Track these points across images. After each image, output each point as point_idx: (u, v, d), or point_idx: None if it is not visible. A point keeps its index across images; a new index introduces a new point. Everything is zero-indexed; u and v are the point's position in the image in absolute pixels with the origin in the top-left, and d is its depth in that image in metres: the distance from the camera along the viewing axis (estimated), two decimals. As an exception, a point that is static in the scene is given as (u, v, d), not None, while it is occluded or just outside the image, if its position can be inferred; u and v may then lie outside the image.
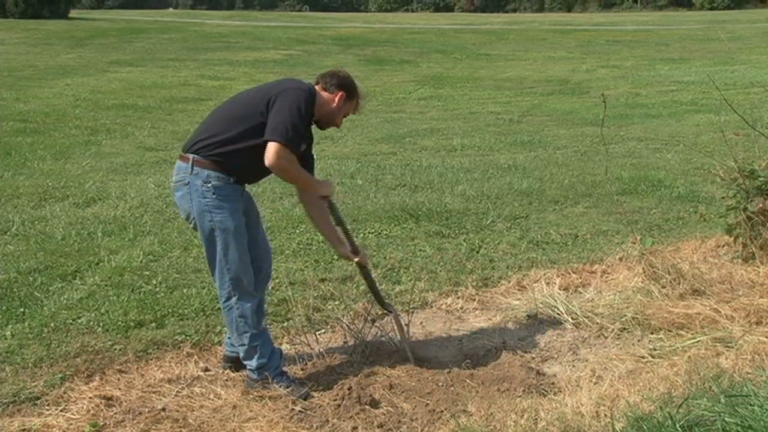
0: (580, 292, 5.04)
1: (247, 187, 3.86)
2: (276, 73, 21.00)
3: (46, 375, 3.97)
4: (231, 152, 3.59)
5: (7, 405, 3.68)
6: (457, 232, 6.45)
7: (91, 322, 4.60)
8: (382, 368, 3.94)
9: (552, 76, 20.59)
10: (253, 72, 21.18)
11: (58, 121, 12.46)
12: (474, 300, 4.99)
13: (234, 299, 3.69)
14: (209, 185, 3.59)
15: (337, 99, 3.77)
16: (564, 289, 5.04)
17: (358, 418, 3.53)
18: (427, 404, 3.62)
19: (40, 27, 34.60)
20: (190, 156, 3.64)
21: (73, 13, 46.76)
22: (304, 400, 3.66)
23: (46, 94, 15.80)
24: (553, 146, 10.55)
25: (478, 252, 5.94)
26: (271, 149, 3.48)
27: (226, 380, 3.93)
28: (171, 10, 72.75)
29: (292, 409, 3.60)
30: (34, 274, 5.42)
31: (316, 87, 3.78)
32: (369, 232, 6.42)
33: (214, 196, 3.59)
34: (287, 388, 3.71)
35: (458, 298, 5.02)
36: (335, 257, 5.64)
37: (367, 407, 3.60)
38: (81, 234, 6.34)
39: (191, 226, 3.78)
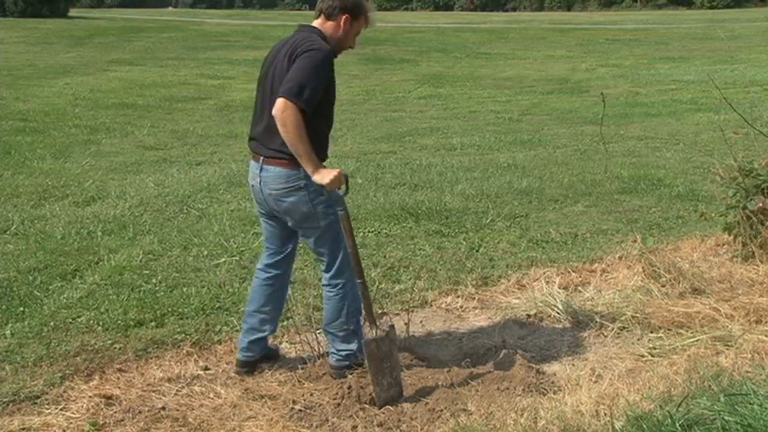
0: (580, 291, 5.04)
1: None
2: (275, 72, 21.04)
3: (45, 374, 3.97)
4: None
5: (7, 404, 3.69)
6: (456, 230, 6.45)
7: (91, 321, 4.60)
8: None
9: (552, 75, 20.61)
10: (253, 71, 21.05)
11: (58, 120, 12.48)
12: (474, 299, 4.99)
13: (349, 284, 3.79)
14: (300, 182, 3.61)
15: (342, 23, 3.70)
16: (564, 288, 5.03)
17: (357, 417, 3.53)
18: (427, 403, 3.62)
19: (39, 26, 34.62)
20: (257, 156, 3.67)
21: (72, 11, 46.77)
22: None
23: (45, 93, 15.82)
24: (552, 145, 10.55)
25: (477, 251, 5.94)
26: (279, 103, 3.42)
27: (226, 379, 3.93)
28: (171, 9, 72.75)
29: (292, 408, 3.60)
30: (34, 273, 5.43)
31: (320, 18, 3.72)
32: (369, 231, 6.41)
33: (305, 191, 3.63)
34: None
35: (458, 297, 5.01)
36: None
37: (367, 406, 3.60)
38: (81, 233, 6.34)
39: (287, 224, 3.80)
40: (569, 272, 5.34)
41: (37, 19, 39.03)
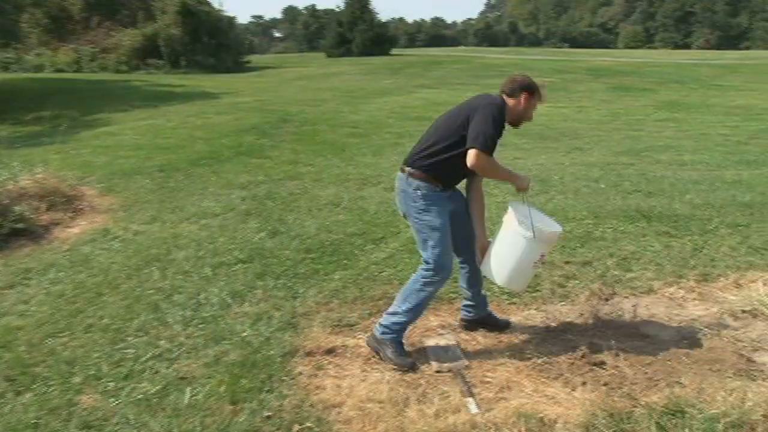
0: (797, 296, 4.37)
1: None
2: (538, 96, 20.55)
3: (359, 310, 4.23)
4: (437, 162, 3.49)
5: (335, 326, 4.00)
6: (683, 233, 5.88)
7: (391, 276, 4.81)
8: (610, 339, 3.72)
9: (782, 103, 17.96)
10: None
11: (377, 128, 13.17)
12: (694, 291, 4.53)
13: (423, 282, 3.52)
14: (418, 192, 3.52)
15: (523, 100, 3.56)
16: (781, 292, 4.40)
17: (587, 375, 3.39)
18: (646, 372, 3.38)
19: (371, 61, 36.88)
20: (407, 169, 3.58)
21: (393, 50, 49.23)
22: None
23: (370, 108, 16.77)
24: (778, 165, 9.21)
25: (700, 251, 5.37)
26: (471, 154, 3.35)
27: (486, 332, 3.94)
28: (461, 47, 73.84)
29: (534, 361, 3.54)
30: (355, 237, 5.76)
31: (503, 96, 3.58)
32: (607, 227, 6.05)
33: (423, 201, 3.51)
34: (394, 353, 3.53)
35: (680, 288, 4.58)
36: (578, 245, 5.43)
37: (595, 368, 3.44)
38: (387, 211, 6.58)
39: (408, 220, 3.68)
40: (787, 278, 4.66)
41: (369, 57, 41.64)
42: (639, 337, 3.80)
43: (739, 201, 7.01)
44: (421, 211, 3.53)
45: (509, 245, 3.50)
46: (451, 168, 3.52)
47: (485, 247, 3.64)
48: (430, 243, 3.51)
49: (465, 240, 3.73)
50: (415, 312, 3.59)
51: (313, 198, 7.25)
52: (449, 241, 3.55)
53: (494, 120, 3.41)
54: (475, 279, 3.87)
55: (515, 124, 3.62)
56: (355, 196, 7.30)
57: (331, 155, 10.00)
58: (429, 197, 3.52)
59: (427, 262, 3.52)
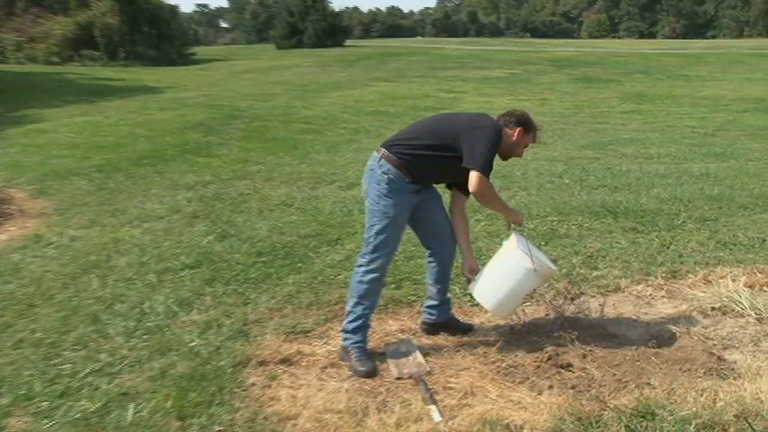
0: (765, 291, 4.51)
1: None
2: (500, 88, 20.80)
3: (314, 315, 4.21)
4: (415, 156, 3.56)
5: (288, 333, 3.97)
6: (650, 228, 6.02)
7: (347, 279, 4.71)
8: (577, 339, 3.75)
9: (748, 95, 18.58)
10: (481, 87, 21.10)
11: (331, 123, 13.18)
12: (662, 289, 4.64)
13: (363, 269, 3.59)
14: (385, 177, 3.56)
15: (516, 134, 3.67)
16: (749, 287, 4.51)
17: (554, 378, 3.42)
18: (615, 374, 3.44)
19: (324, 53, 36.81)
20: (383, 151, 3.63)
21: (347, 42, 49.21)
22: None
23: (324, 102, 16.76)
24: (745, 158, 9.51)
25: (668, 247, 5.51)
26: (474, 177, 3.45)
27: (447, 335, 3.96)
28: (419, 38, 74.27)
29: (499, 365, 3.57)
30: (309, 238, 5.75)
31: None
32: (572, 224, 6.17)
33: (387, 186, 3.55)
34: (357, 359, 3.54)
35: (648, 286, 4.69)
36: (543, 243, 5.51)
37: (562, 370, 3.48)
38: (343, 211, 6.61)
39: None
40: (755, 273, 4.79)
41: (322, 48, 41.56)
42: (607, 337, 3.85)
43: (706, 194, 7.22)
44: (381, 195, 3.57)
45: (508, 273, 3.63)
46: (427, 167, 3.60)
47: (474, 268, 3.76)
48: (376, 228, 3.56)
49: (436, 231, 3.80)
50: (365, 306, 3.62)
51: (265, 198, 7.20)
52: (396, 236, 3.62)
53: (493, 144, 3.51)
54: (443, 275, 3.90)
55: (504, 156, 3.73)
56: (309, 196, 7.28)
57: (282, 153, 9.95)
58: (394, 185, 3.57)
59: (365, 247, 3.60)
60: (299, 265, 5.12)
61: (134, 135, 11.59)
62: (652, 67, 28.93)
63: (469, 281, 3.79)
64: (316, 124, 13.01)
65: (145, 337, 3.95)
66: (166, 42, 33.63)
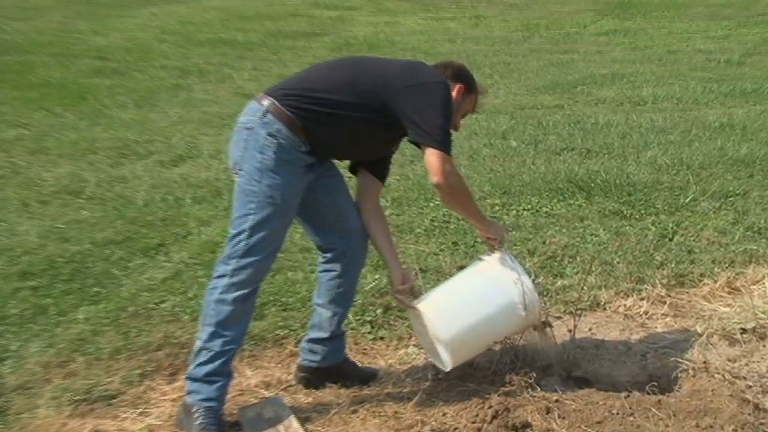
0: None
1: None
2: (409, 0, 20.95)
3: (123, 370, 4.14)
4: (324, 115, 3.58)
5: (79, 403, 3.86)
6: (642, 212, 6.27)
7: (177, 308, 4.76)
8: (536, 384, 3.82)
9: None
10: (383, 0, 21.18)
11: (142, 60, 12.93)
12: (664, 303, 4.82)
13: (226, 282, 3.59)
14: (272, 141, 3.57)
15: (455, 92, 3.78)
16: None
17: (504, 446, 3.51)
18: (597, 437, 3.55)
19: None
20: (269, 100, 3.63)
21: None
22: None
23: (127, 25, 16.39)
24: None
25: (671, 239, 5.75)
26: (435, 160, 3.49)
27: (339, 389, 3.97)
28: None
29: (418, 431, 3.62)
30: (111, 246, 5.66)
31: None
32: (524, 209, 6.34)
33: (273, 156, 3.57)
34: (201, 426, 3.51)
35: (642, 299, 4.86)
36: (478, 240, 5.62)
37: (516, 434, 3.57)
38: (167, 200, 6.57)
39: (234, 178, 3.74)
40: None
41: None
42: (581, 380, 3.98)
43: (730, 156, 7.52)
44: (264, 170, 3.56)
45: (492, 308, 3.81)
46: (336, 134, 3.62)
47: (405, 278, 3.90)
48: (253, 219, 3.58)
49: (339, 223, 3.87)
50: (228, 339, 3.59)
51: (32, 183, 7.06)
52: (281, 233, 3.65)
53: (448, 110, 3.59)
54: (346, 291, 3.96)
55: None
56: (109, 178, 7.17)
57: (61, 107, 9.74)
58: (284, 153, 3.56)
59: (231, 248, 3.60)
60: (96, 290, 5.02)
61: None
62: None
63: (403, 298, 3.88)
64: (116, 61, 12.74)
65: None
66: None
